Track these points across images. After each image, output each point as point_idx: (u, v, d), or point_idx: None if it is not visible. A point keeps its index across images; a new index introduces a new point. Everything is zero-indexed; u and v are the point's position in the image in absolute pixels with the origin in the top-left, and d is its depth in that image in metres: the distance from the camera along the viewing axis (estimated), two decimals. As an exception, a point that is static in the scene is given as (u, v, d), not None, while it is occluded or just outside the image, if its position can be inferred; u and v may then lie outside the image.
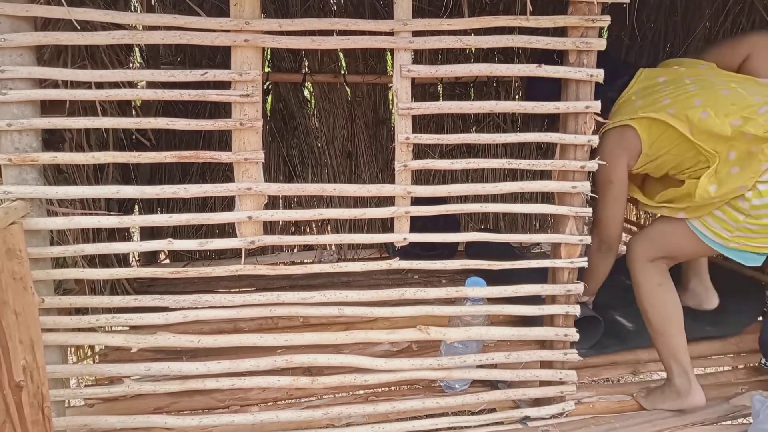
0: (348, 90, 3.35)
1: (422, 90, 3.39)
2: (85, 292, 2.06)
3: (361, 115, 3.39)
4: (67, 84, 1.65)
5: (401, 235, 1.73)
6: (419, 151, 3.29)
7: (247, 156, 1.61)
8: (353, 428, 1.82)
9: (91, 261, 2.25)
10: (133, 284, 2.64)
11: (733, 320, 2.47)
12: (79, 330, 1.72)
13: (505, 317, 2.31)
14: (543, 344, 1.95)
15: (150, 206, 3.00)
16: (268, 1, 3.06)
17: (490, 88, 3.49)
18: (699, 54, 2.11)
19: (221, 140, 3.09)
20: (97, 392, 1.91)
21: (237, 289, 2.90)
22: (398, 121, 1.65)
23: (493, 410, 1.96)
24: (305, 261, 3.44)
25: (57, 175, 1.92)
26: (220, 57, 3.06)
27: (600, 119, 1.73)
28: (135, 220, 1.79)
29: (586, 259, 1.82)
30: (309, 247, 3.45)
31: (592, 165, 1.74)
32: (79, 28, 1.52)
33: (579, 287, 1.83)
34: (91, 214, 1.77)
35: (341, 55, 3.28)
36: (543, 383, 1.94)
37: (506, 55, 3.35)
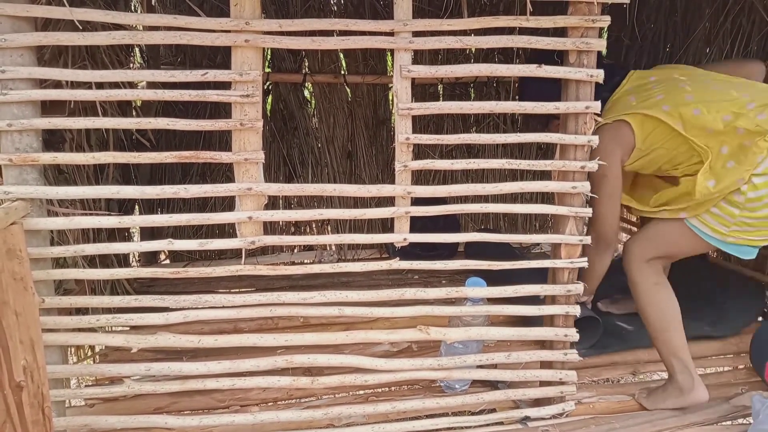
0: (348, 90, 3.35)
1: (422, 90, 3.39)
2: (85, 293, 2.06)
3: (362, 116, 3.40)
4: (67, 84, 1.65)
5: (401, 236, 1.73)
6: (419, 152, 3.29)
7: (248, 156, 1.61)
8: (353, 428, 1.82)
9: (92, 261, 2.25)
10: (133, 284, 2.64)
11: (733, 320, 2.47)
12: (80, 330, 1.72)
13: (505, 317, 2.31)
14: (543, 344, 1.95)
15: (150, 206, 3.00)
16: (269, 2, 3.06)
17: (490, 88, 3.49)
18: (697, 66, 2.15)
19: (221, 140, 3.09)
20: (97, 392, 1.91)
21: (237, 290, 2.90)
22: (398, 122, 1.66)
23: (493, 410, 1.96)
24: (305, 261, 3.44)
25: (57, 175, 1.92)
26: (220, 57, 3.07)
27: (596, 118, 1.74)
28: (135, 221, 1.80)
29: (586, 259, 1.82)
30: (309, 248, 3.46)
31: (592, 165, 1.74)
32: (80, 28, 1.52)
33: (579, 287, 1.83)
34: (91, 214, 1.77)
35: (341, 56, 3.28)
36: (543, 383, 1.94)
37: (506, 56, 3.35)
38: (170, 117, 1.61)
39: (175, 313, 1.69)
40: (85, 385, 2.58)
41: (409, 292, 1.78)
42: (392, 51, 1.63)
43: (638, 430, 1.86)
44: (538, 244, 3.43)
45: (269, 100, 3.29)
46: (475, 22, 1.62)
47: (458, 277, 2.80)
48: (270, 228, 3.24)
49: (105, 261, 2.39)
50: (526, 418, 1.91)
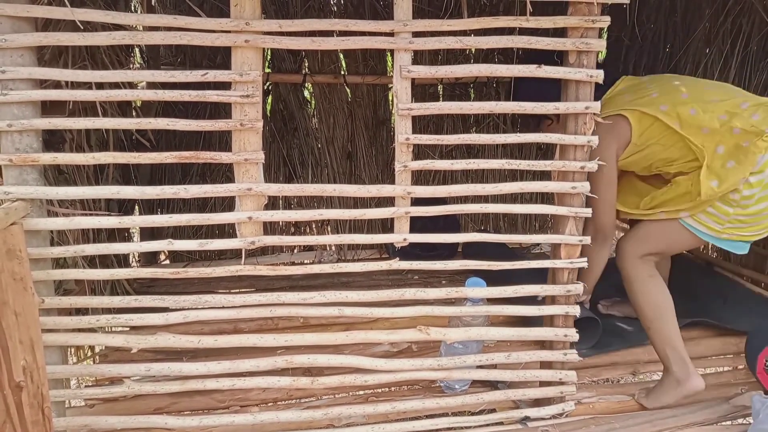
0: (348, 91, 3.35)
1: (422, 91, 3.39)
2: (85, 293, 2.06)
3: (361, 116, 3.39)
4: (67, 84, 1.65)
5: (401, 236, 1.73)
6: (419, 152, 3.29)
7: (248, 156, 1.61)
8: (353, 428, 1.82)
9: (91, 261, 2.25)
10: (133, 285, 2.64)
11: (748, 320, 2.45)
12: (80, 330, 1.72)
13: (505, 318, 2.31)
14: (543, 345, 1.95)
15: (150, 207, 3.00)
16: (269, 2, 3.06)
17: (490, 88, 3.49)
18: None
19: (221, 141, 3.09)
20: (97, 393, 1.91)
21: (237, 290, 2.90)
22: (398, 122, 1.66)
23: (493, 410, 1.96)
24: (305, 261, 3.44)
25: (57, 175, 1.92)
26: (220, 58, 3.06)
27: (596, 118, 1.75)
28: (135, 221, 1.80)
29: (585, 259, 1.82)
30: (309, 248, 3.45)
31: (592, 165, 1.74)
32: (81, 28, 1.52)
33: (579, 287, 1.83)
34: (91, 214, 1.77)
35: (341, 56, 3.28)
36: (543, 384, 1.94)
37: (506, 56, 3.35)
38: (170, 117, 1.61)
39: (174, 313, 1.69)
40: (85, 386, 2.58)
41: (409, 293, 1.78)
42: (392, 51, 1.63)
43: (638, 430, 1.86)
44: (538, 245, 3.43)
45: (269, 100, 3.29)
46: (475, 23, 1.62)
47: (458, 278, 2.80)
48: (270, 228, 3.24)
49: (105, 261, 2.39)
50: (526, 418, 1.91)
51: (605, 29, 1.70)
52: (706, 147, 1.84)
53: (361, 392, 2.08)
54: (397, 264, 1.74)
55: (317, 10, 3.20)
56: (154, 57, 3.01)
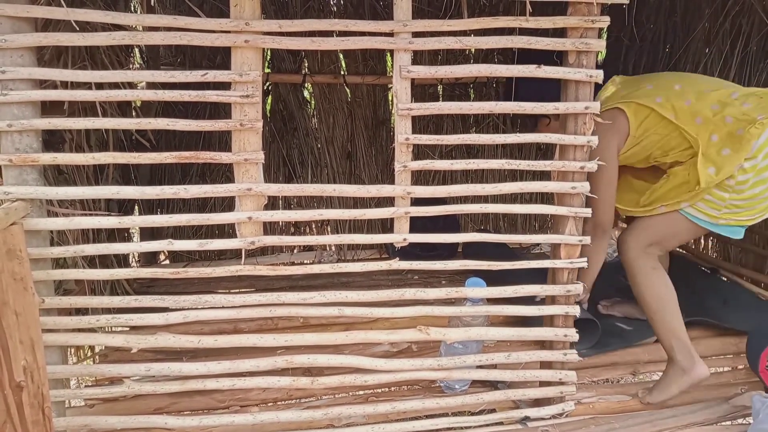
0: (348, 91, 3.35)
1: (422, 91, 3.39)
2: (85, 293, 2.06)
3: (361, 116, 3.40)
4: (67, 85, 1.65)
5: (401, 236, 1.73)
6: (419, 152, 3.29)
7: (247, 157, 1.61)
8: (353, 428, 1.82)
9: (91, 261, 2.25)
10: (133, 285, 2.64)
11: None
12: (80, 330, 1.72)
13: (505, 318, 2.31)
14: (543, 345, 1.95)
15: (150, 207, 3.00)
16: (268, 2, 3.06)
17: (489, 88, 3.49)
18: None
19: (221, 141, 3.09)
20: (97, 393, 1.91)
21: (237, 290, 2.90)
22: (398, 122, 1.66)
23: (492, 411, 1.96)
24: (305, 261, 3.44)
25: (57, 175, 1.93)
26: (220, 58, 3.07)
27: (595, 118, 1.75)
28: (135, 221, 1.80)
29: (585, 259, 1.82)
30: (309, 248, 3.45)
31: (592, 165, 1.74)
32: (79, 29, 1.52)
33: (578, 287, 1.83)
34: (91, 214, 1.77)
35: (341, 56, 3.28)
36: (543, 384, 1.94)
37: (506, 56, 3.35)
38: (170, 117, 1.61)
39: (174, 313, 1.69)
40: (85, 386, 2.58)
41: (409, 293, 1.78)
42: (392, 51, 1.64)
43: (638, 430, 1.86)
44: (537, 245, 3.43)
45: (269, 100, 3.29)
46: (474, 23, 1.62)
47: (458, 278, 2.80)
48: (270, 228, 3.25)
49: (105, 261, 2.39)
50: (526, 419, 1.91)
51: (605, 29, 1.70)
52: (701, 136, 1.89)
53: (361, 392, 2.08)
54: (396, 264, 1.74)
55: (317, 11, 3.20)
56: (154, 57, 3.01)
